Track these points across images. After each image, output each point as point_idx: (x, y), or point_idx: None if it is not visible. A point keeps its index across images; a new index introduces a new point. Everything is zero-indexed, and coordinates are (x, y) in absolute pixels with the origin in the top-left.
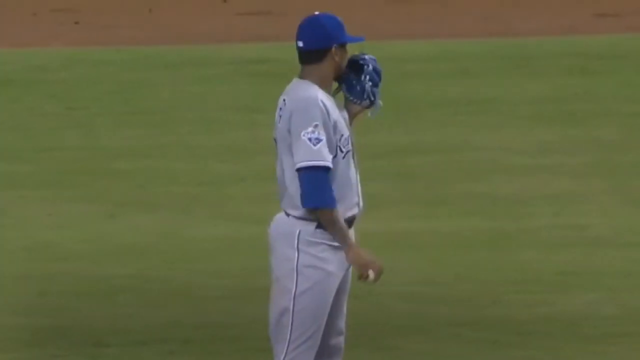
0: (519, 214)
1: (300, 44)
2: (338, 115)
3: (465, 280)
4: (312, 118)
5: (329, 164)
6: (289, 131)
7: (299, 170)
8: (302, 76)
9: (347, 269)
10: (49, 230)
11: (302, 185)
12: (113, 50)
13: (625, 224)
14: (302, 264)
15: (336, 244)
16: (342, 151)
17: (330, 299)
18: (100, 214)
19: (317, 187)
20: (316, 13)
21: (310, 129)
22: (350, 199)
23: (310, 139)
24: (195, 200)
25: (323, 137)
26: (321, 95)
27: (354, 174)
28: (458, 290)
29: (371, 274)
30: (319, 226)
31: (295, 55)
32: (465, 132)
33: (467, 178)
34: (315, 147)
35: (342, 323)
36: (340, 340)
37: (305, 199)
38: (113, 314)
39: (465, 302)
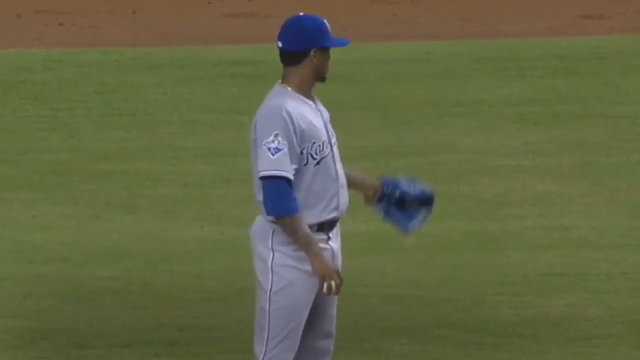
0: (504, 216)
1: (280, 44)
2: (309, 123)
3: (450, 282)
4: (273, 127)
5: (287, 174)
6: (255, 139)
7: (260, 179)
8: (282, 78)
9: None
10: (33, 232)
11: (263, 194)
12: (97, 52)
13: (609, 225)
14: (277, 263)
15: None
16: (314, 158)
17: (308, 299)
18: (84, 216)
19: (276, 196)
20: (300, 14)
21: (270, 138)
22: (326, 204)
23: (269, 149)
24: (180, 202)
25: (283, 146)
26: (289, 104)
27: (334, 178)
28: (443, 292)
29: (334, 285)
30: None
31: (278, 56)
32: (450, 134)
33: (451, 180)
34: (274, 157)
35: (329, 326)
36: (327, 343)
37: (266, 207)
38: (97, 316)
39: (451, 304)
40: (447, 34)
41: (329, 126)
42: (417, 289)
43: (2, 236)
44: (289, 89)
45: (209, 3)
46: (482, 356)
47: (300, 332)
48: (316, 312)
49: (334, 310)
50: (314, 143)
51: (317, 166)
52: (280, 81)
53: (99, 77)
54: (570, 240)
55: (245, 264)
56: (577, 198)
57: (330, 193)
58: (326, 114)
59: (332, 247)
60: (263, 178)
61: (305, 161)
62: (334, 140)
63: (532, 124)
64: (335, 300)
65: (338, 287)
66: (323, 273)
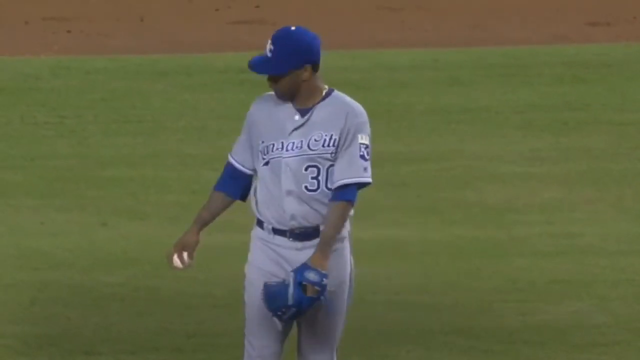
0: (510, 222)
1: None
2: (265, 120)
3: (456, 288)
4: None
5: (231, 159)
6: None
7: None
8: None
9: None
10: (40, 238)
11: None
12: (105, 59)
13: (615, 232)
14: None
15: (260, 236)
16: (263, 158)
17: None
18: (91, 223)
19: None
20: (292, 28)
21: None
22: (274, 210)
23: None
24: (186, 208)
25: (241, 135)
26: (262, 98)
27: (278, 184)
28: (449, 298)
29: (175, 259)
30: (258, 223)
31: None
32: (456, 141)
33: (458, 186)
34: (235, 143)
35: (310, 342)
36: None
37: None
38: (103, 322)
39: (457, 311)
40: (454, 41)
41: (306, 140)
42: (424, 295)
43: (8, 242)
44: None
45: (217, 10)
46: None
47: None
48: (310, 331)
49: (328, 335)
50: (262, 142)
51: (265, 166)
52: None
53: (106, 84)
54: (576, 247)
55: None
56: (583, 205)
57: (277, 199)
58: (310, 129)
59: (297, 258)
60: None
61: (257, 158)
62: (297, 152)
63: (538, 131)
64: (331, 326)
65: (180, 258)
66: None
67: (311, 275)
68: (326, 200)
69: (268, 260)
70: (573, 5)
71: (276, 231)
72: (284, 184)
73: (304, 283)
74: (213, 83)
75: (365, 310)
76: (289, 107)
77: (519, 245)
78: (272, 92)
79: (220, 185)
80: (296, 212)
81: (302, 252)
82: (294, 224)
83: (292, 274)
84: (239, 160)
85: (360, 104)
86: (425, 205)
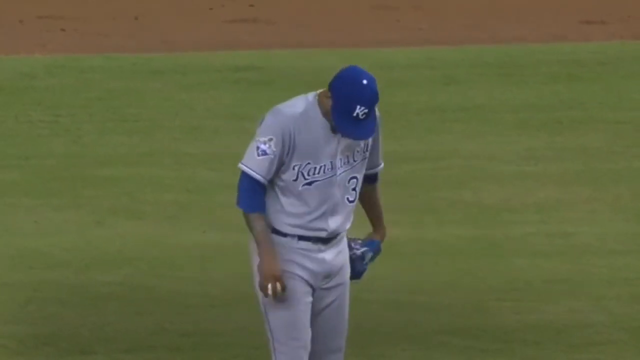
0: (506, 222)
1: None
2: (311, 142)
3: (452, 288)
4: (273, 130)
5: (261, 178)
6: None
7: (239, 167)
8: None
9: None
10: (35, 238)
11: (238, 183)
12: (100, 58)
13: (611, 231)
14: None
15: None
16: (305, 178)
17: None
18: (87, 222)
19: (243, 190)
20: (361, 71)
21: (264, 139)
22: (310, 221)
23: (258, 147)
24: (182, 207)
25: (271, 153)
26: (301, 116)
27: (325, 202)
28: (446, 298)
29: (270, 289)
30: (278, 232)
31: (281, 62)
32: (452, 140)
33: (453, 185)
34: (258, 158)
35: (339, 340)
36: (337, 357)
37: (237, 196)
38: (100, 321)
39: (453, 310)
40: (450, 40)
41: (351, 154)
42: (420, 295)
43: (4, 242)
44: (317, 99)
45: (211, 9)
46: None
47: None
48: (327, 326)
49: (343, 326)
50: (308, 163)
51: (306, 186)
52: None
53: (101, 83)
54: (572, 246)
55: (248, 269)
56: (579, 204)
57: (317, 214)
58: (354, 142)
59: (323, 258)
60: (241, 170)
61: (295, 177)
62: (345, 167)
63: (534, 130)
64: (344, 316)
65: (274, 290)
66: (262, 272)
67: (377, 256)
68: (353, 209)
69: (295, 265)
70: (568, 4)
71: (301, 238)
72: (333, 200)
73: (370, 254)
74: (209, 82)
75: (361, 309)
76: (327, 125)
77: (515, 245)
78: (296, 106)
79: (260, 207)
80: (337, 225)
81: (324, 253)
82: (325, 234)
83: (370, 253)
84: (268, 178)
85: None
86: (421, 205)
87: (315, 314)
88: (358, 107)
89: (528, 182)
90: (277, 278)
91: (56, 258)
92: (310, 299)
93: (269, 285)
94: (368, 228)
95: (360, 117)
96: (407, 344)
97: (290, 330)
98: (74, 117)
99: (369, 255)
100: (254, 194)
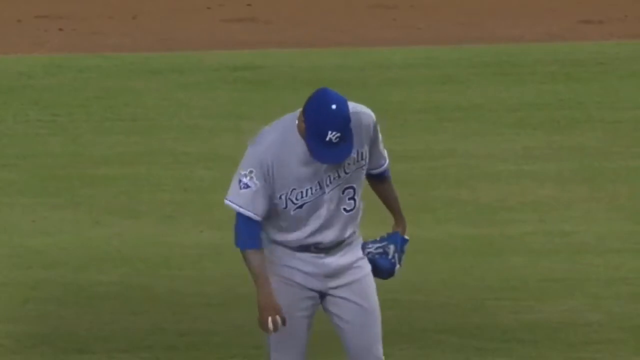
0: (503, 221)
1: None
2: (291, 172)
3: (450, 286)
4: (252, 162)
5: (250, 213)
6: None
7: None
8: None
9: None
10: (32, 237)
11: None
12: (97, 57)
13: (608, 230)
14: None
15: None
16: (294, 203)
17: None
18: (84, 221)
19: (237, 228)
20: (329, 93)
21: (244, 172)
22: (307, 235)
23: (240, 181)
24: (179, 207)
25: (253, 185)
26: (277, 147)
27: (319, 218)
28: (443, 296)
29: (270, 324)
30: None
31: (278, 61)
32: (450, 139)
33: (451, 184)
34: (241, 191)
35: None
36: None
37: (234, 237)
38: (97, 321)
39: (450, 309)
40: (447, 39)
41: (340, 168)
42: (417, 293)
43: (1, 241)
44: (296, 122)
45: (209, 8)
46: None
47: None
48: (353, 331)
49: (372, 330)
50: (293, 189)
51: (298, 210)
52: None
53: (99, 82)
54: (570, 245)
55: (245, 269)
56: (577, 203)
57: (311, 229)
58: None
59: (323, 262)
60: (230, 207)
61: (284, 205)
62: (335, 183)
63: (531, 129)
64: (372, 319)
65: (274, 322)
66: (261, 306)
67: (405, 246)
68: (357, 216)
69: (295, 271)
70: (566, 3)
71: (300, 248)
72: (325, 215)
73: (397, 251)
74: (206, 81)
75: None
76: (302, 144)
77: (513, 244)
78: (275, 133)
79: (254, 243)
80: (335, 235)
81: (324, 259)
82: (322, 245)
83: (392, 245)
84: (260, 214)
85: (354, 102)
86: (418, 204)
87: (336, 322)
88: (329, 132)
89: (525, 181)
90: (277, 310)
91: (53, 257)
92: (309, 303)
93: (269, 319)
94: (387, 226)
95: (333, 141)
96: (404, 343)
97: (286, 339)
98: (72, 116)
99: (391, 248)
100: (248, 229)
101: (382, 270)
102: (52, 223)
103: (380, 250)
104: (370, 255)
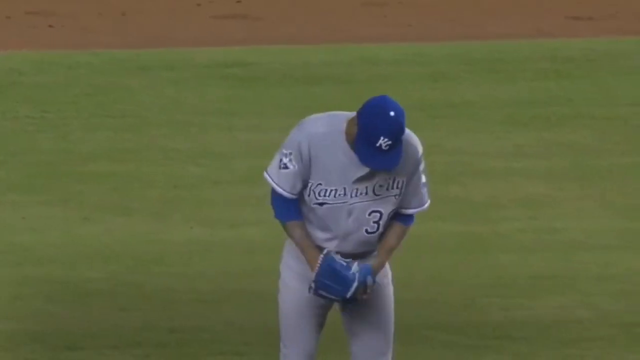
0: (494, 218)
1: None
2: (329, 163)
3: (439, 283)
4: (292, 144)
5: (284, 192)
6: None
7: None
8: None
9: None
10: (22, 233)
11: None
12: (87, 54)
13: (599, 227)
14: (282, 263)
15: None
16: (316, 198)
17: (297, 305)
18: (74, 218)
19: (274, 202)
20: (389, 102)
21: (286, 151)
22: (322, 240)
23: (281, 160)
24: (169, 203)
25: (292, 167)
26: (324, 134)
27: (335, 227)
28: (432, 293)
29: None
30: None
31: (269, 58)
32: (440, 136)
33: (441, 181)
34: (280, 171)
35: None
36: None
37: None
38: (87, 317)
39: (440, 306)
40: (437, 36)
41: (373, 186)
42: (405, 290)
43: None
44: (344, 124)
45: (199, 5)
46: (472, 358)
47: (298, 337)
48: (361, 326)
49: (381, 327)
50: (319, 184)
51: (317, 205)
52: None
53: (88, 79)
54: (560, 242)
55: (236, 265)
56: (567, 200)
57: (330, 234)
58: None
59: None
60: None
61: (308, 193)
62: (362, 198)
63: (522, 126)
64: (383, 316)
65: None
66: (314, 271)
67: (369, 280)
68: (377, 238)
69: (304, 265)
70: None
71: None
72: (343, 228)
73: (361, 284)
74: (196, 78)
75: None
76: (348, 151)
77: (503, 241)
78: (323, 124)
79: (294, 215)
80: (351, 248)
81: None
82: (342, 253)
83: (357, 273)
84: (294, 192)
85: (343, 98)
86: None
87: (347, 327)
88: (382, 138)
89: (516, 178)
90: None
91: (43, 254)
92: (322, 301)
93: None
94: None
95: (383, 147)
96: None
97: (297, 335)
98: (62, 113)
99: (355, 266)
100: (285, 204)
101: (338, 277)
102: (42, 220)
103: (344, 263)
104: (330, 259)
